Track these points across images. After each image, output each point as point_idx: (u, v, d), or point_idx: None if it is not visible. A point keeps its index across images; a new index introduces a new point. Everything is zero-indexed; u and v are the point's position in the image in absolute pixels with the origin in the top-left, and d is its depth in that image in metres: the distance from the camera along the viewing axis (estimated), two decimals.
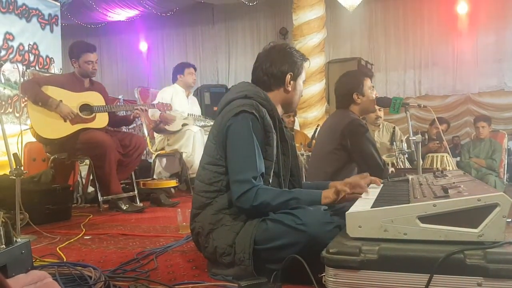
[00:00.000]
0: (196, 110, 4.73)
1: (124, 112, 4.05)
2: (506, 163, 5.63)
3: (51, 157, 3.49)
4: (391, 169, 3.19)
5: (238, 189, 1.52)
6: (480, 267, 1.05)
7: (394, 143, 4.11)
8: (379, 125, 4.53)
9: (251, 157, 1.54)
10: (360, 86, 2.66)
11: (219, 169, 1.62)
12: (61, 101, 3.28)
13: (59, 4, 6.10)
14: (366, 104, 2.70)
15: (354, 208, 1.29)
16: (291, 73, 1.76)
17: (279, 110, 1.79)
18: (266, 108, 1.66)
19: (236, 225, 1.55)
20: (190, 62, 4.95)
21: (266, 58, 1.78)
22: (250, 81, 1.82)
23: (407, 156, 4.13)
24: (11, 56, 5.18)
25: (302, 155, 4.42)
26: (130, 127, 5.70)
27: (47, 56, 5.72)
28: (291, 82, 1.77)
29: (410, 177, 1.86)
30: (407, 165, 4.18)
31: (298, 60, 1.79)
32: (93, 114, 3.43)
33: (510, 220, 1.13)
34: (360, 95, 2.67)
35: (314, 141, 4.03)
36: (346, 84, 2.71)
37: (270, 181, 1.66)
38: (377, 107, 3.32)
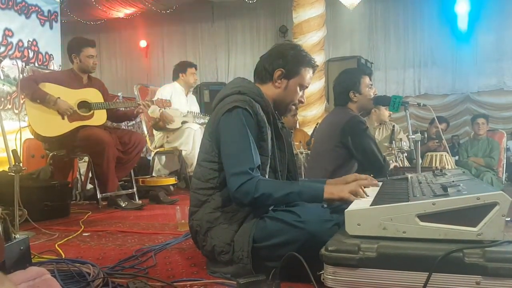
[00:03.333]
0: (195, 109, 4.73)
1: (123, 108, 4.04)
2: (505, 162, 5.63)
3: (50, 154, 3.49)
4: (394, 164, 3.18)
5: (236, 181, 1.49)
6: (479, 266, 1.05)
7: (393, 141, 4.11)
8: (380, 124, 4.53)
9: (246, 150, 1.53)
10: (356, 84, 2.66)
11: (214, 166, 1.62)
12: (59, 97, 3.28)
13: (58, 0, 6.09)
14: (363, 102, 2.70)
15: (353, 206, 1.29)
16: (282, 69, 1.71)
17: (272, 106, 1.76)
18: (260, 103, 1.65)
19: (234, 223, 1.55)
20: (191, 61, 4.95)
21: (270, 51, 1.77)
22: (248, 77, 1.80)
23: (406, 154, 4.13)
24: (10, 52, 5.17)
25: (302, 153, 4.42)
26: (129, 124, 5.69)
27: (46, 53, 5.71)
28: (282, 79, 1.72)
29: (409, 175, 1.85)
30: (406, 163, 4.18)
31: (299, 61, 1.72)
32: (91, 111, 3.42)
33: (509, 219, 1.14)
34: (357, 93, 2.66)
35: (313, 139, 4.03)
36: (343, 82, 2.71)
37: (267, 176, 1.66)
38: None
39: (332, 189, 1.51)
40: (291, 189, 1.51)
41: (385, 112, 4.27)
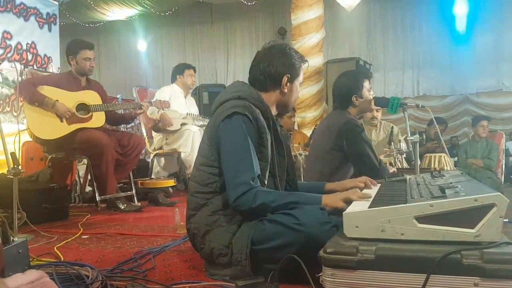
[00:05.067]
0: (194, 111, 4.73)
1: (122, 110, 4.04)
2: (504, 163, 5.64)
3: (49, 157, 3.49)
4: (392, 169, 3.18)
5: (235, 192, 1.50)
6: (477, 267, 1.05)
7: (392, 143, 4.12)
8: (376, 125, 4.54)
9: (247, 159, 1.53)
10: (359, 88, 2.65)
11: (213, 170, 1.62)
12: (57, 100, 3.28)
13: (57, 3, 6.09)
14: (363, 105, 2.69)
15: (351, 208, 1.29)
16: (288, 75, 1.73)
17: (273, 111, 1.77)
18: (260, 109, 1.65)
19: (232, 226, 1.55)
20: (189, 63, 4.95)
21: (265, 58, 1.75)
22: (247, 79, 1.80)
23: (405, 156, 4.13)
24: (9, 55, 5.16)
25: (301, 155, 4.42)
26: (128, 126, 5.69)
27: (45, 55, 5.71)
28: (288, 84, 1.75)
29: (407, 177, 1.86)
30: (405, 165, 4.18)
31: (297, 62, 1.77)
32: (90, 114, 3.42)
33: (507, 220, 1.14)
34: (359, 98, 2.66)
35: (311, 140, 4.03)
36: (346, 86, 2.69)
37: (266, 182, 1.66)
38: (374, 107, 3.31)
39: (327, 200, 1.55)
40: (288, 200, 1.53)
41: (367, 114, 4.27)
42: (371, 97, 2.70)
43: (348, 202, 1.49)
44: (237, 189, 1.50)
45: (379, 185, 1.78)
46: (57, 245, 2.23)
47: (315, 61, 6.74)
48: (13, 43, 5.24)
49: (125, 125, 5.18)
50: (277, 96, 1.76)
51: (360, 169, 2.54)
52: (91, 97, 3.48)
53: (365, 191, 1.62)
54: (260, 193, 1.51)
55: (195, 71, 4.73)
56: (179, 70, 4.64)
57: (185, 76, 4.60)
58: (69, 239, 2.39)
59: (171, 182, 4.17)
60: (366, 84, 2.68)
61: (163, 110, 4.10)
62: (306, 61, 1.83)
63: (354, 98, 2.66)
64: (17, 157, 2.39)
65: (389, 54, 9.40)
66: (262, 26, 10.32)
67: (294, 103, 1.87)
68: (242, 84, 1.77)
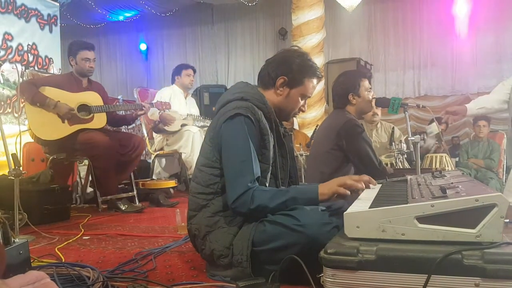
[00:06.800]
0: (194, 111, 4.72)
1: (123, 111, 4.04)
2: (505, 163, 5.63)
3: (50, 158, 3.49)
4: (390, 170, 3.19)
5: (233, 193, 1.50)
6: (478, 268, 1.05)
7: (393, 143, 4.12)
8: (377, 124, 4.53)
9: (247, 161, 1.53)
10: (356, 87, 2.65)
11: (215, 171, 1.62)
12: (58, 101, 3.28)
13: (58, 4, 6.11)
14: (362, 105, 2.69)
15: (352, 209, 1.29)
16: (285, 77, 1.69)
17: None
18: (263, 110, 1.65)
19: (233, 227, 1.55)
20: (190, 63, 4.95)
21: (276, 56, 1.76)
22: (248, 79, 1.81)
23: (405, 156, 4.13)
24: (10, 56, 5.18)
25: (302, 155, 4.42)
26: (129, 127, 5.70)
27: (46, 56, 5.72)
28: (284, 87, 1.71)
29: (408, 177, 1.86)
30: (406, 165, 4.18)
31: (301, 71, 1.70)
32: (91, 115, 3.43)
33: (508, 220, 1.14)
34: (356, 96, 2.66)
35: (312, 141, 4.03)
36: (343, 84, 2.70)
37: (267, 184, 1.65)
38: (375, 107, 3.31)
39: (324, 189, 1.54)
40: (286, 197, 1.52)
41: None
42: (371, 97, 2.70)
43: (345, 187, 1.50)
44: (236, 190, 1.50)
45: (379, 185, 1.78)
46: (58, 246, 2.23)
47: (315, 62, 6.72)
48: (14, 44, 5.25)
49: (126, 126, 5.19)
50: (273, 96, 1.73)
51: (360, 169, 2.54)
52: (93, 98, 3.49)
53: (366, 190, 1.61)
54: (258, 192, 1.50)
55: (194, 71, 4.72)
56: (177, 71, 4.65)
57: (182, 76, 4.60)
58: (70, 240, 2.40)
59: (172, 183, 4.17)
60: (364, 83, 2.68)
61: (164, 111, 4.10)
62: (318, 76, 1.76)
63: (351, 96, 2.66)
64: (18, 158, 2.39)
65: (390, 54, 9.38)
66: (263, 27, 10.32)
67: (291, 113, 1.78)
68: (245, 85, 1.76)
